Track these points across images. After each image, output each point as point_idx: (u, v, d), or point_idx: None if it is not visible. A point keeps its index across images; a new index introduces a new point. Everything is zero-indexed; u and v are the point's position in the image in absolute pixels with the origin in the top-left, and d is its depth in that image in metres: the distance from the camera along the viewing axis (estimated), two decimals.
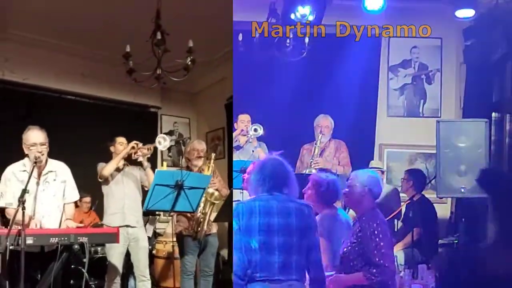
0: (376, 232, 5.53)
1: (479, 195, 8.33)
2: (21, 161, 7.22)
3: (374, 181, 5.82)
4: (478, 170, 7.78)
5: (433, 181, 9.05)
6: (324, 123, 9.30)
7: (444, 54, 10.56)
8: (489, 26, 9.38)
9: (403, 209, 8.94)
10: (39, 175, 7.18)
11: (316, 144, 9.18)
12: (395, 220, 9.22)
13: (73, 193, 7.46)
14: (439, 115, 10.34)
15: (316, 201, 6.26)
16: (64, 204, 7.36)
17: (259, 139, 9.36)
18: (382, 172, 9.44)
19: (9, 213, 7.01)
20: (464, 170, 8.28)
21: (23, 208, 6.23)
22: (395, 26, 10.22)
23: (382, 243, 5.49)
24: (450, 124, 8.64)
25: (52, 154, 7.31)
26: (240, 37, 9.55)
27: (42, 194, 7.13)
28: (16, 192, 6.70)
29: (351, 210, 6.41)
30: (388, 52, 10.58)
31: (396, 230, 9.33)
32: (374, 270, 5.49)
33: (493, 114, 9.41)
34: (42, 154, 7.05)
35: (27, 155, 7.16)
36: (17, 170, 7.18)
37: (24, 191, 6.37)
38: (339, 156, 9.26)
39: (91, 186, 9.22)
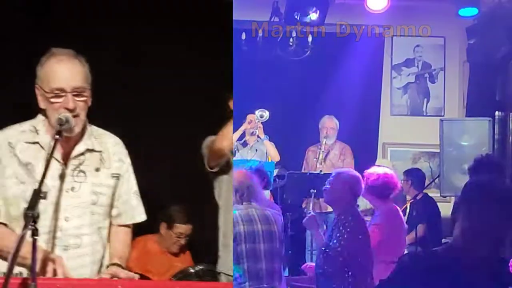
0: (348, 230, 5.51)
1: None
2: (28, 123, 4.08)
3: (355, 180, 5.80)
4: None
5: (436, 180, 9.04)
6: (330, 124, 9.30)
7: (448, 53, 10.55)
8: (492, 24, 9.37)
9: (407, 208, 8.93)
10: (66, 157, 4.04)
11: (320, 149, 9.17)
12: None
13: (135, 206, 4.35)
14: (443, 114, 10.33)
15: (372, 195, 6.29)
16: (113, 224, 4.31)
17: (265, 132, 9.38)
18: None
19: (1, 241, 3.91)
20: (468, 169, 8.28)
21: (34, 233, 3.30)
22: (398, 25, 10.25)
23: (343, 242, 5.49)
24: (454, 123, 8.64)
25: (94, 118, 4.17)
26: (244, 36, 9.55)
27: (70, 199, 4.02)
28: (16, 191, 3.95)
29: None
30: (391, 51, 10.57)
31: None
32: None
33: (497, 113, 9.39)
34: (76, 116, 3.93)
35: (42, 112, 4.05)
36: (19, 141, 4.04)
37: (38, 193, 3.38)
38: (344, 160, 9.26)
39: (181, 193, 5.71)
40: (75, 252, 4.08)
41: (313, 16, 9.08)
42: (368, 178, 6.23)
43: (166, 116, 5.52)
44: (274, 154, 9.23)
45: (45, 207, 3.82)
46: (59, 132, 3.86)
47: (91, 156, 4.15)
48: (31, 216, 3.31)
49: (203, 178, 5.20)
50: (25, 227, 3.31)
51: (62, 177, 4.03)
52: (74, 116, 3.94)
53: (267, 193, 7.94)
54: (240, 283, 5.19)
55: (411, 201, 8.88)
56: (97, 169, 4.16)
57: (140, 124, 5.06)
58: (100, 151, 4.18)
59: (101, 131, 4.28)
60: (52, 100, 3.95)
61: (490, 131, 8.32)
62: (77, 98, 3.95)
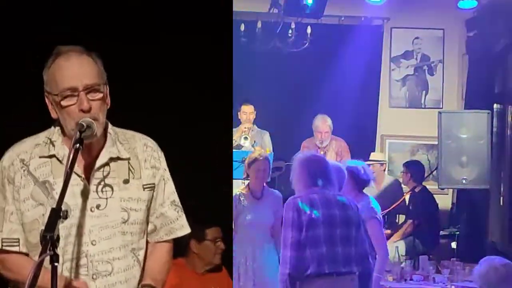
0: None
1: (481, 186, 8.35)
2: (42, 134, 3.61)
3: (356, 169, 5.81)
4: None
5: (434, 172, 9.05)
6: (324, 128, 9.19)
7: (446, 45, 10.54)
8: (491, 17, 9.38)
9: (406, 200, 8.94)
10: (88, 170, 3.55)
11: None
12: (397, 211, 9.23)
13: (173, 218, 3.80)
14: (441, 106, 10.32)
15: (354, 190, 6.11)
16: (150, 242, 3.78)
17: (262, 127, 9.35)
18: (382, 165, 9.43)
19: (10, 266, 3.56)
20: (466, 161, 8.29)
21: (54, 259, 2.93)
22: (397, 17, 10.25)
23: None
24: (452, 115, 8.65)
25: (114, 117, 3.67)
26: (242, 28, 9.54)
27: (95, 219, 3.52)
28: (34, 214, 3.51)
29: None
30: (390, 43, 10.56)
31: (397, 221, 9.34)
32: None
33: (495, 105, 9.41)
34: (95, 119, 3.42)
35: (56, 123, 3.58)
36: (33, 157, 3.57)
37: (56, 212, 3.02)
38: (341, 160, 9.24)
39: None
40: (105, 280, 3.55)
41: (313, 7, 9.06)
42: (357, 171, 6.16)
43: (164, 112, 5.04)
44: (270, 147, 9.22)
45: (67, 231, 3.44)
46: (79, 141, 3.30)
47: (117, 166, 3.59)
48: (49, 239, 2.88)
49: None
50: (43, 252, 2.86)
51: (84, 193, 3.49)
52: (95, 122, 3.41)
53: None
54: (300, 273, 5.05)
55: (409, 193, 8.89)
56: (126, 181, 3.60)
57: (133, 118, 3.98)
58: (127, 159, 3.62)
59: (128, 133, 3.72)
60: (63, 103, 3.40)
61: (488, 124, 8.34)
62: (92, 97, 3.42)
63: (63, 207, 3.04)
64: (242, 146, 8.97)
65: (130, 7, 4.73)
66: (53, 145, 3.55)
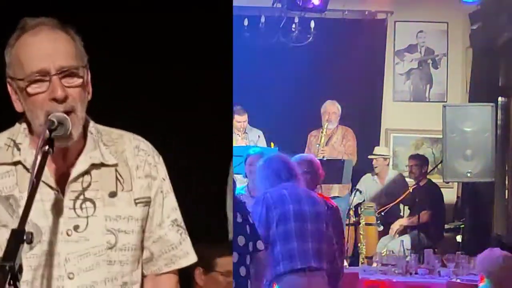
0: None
1: (485, 179, 8.34)
2: (4, 135, 2.84)
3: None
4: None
5: (439, 166, 9.04)
6: (332, 109, 9.25)
7: (450, 39, 10.52)
8: (495, 10, 9.35)
9: (410, 194, 8.94)
10: (63, 180, 2.77)
11: (322, 132, 9.15)
12: (401, 205, 9.23)
13: (175, 243, 2.99)
14: (445, 100, 10.31)
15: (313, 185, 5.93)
16: (146, 276, 2.99)
17: (266, 122, 9.36)
18: (385, 159, 9.43)
19: None
20: (471, 155, 8.28)
21: None
22: (401, 11, 10.24)
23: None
24: (457, 109, 8.64)
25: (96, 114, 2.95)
26: (246, 22, 9.54)
27: (73, 245, 2.75)
28: None
29: None
30: (394, 37, 10.54)
31: (402, 214, 9.34)
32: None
33: (500, 99, 9.40)
34: (70, 111, 2.68)
35: (22, 119, 2.82)
36: None
37: (18, 235, 2.34)
38: (346, 144, 9.24)
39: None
40: None
41: (316, 1, 9.06)
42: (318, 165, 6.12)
43: (158, 109, 4.62)
44: None
45: (37, 261, 2.68)
46: (48, 142, 2.56)
47: (100, 174, 2.80)
48: (8, 270, 2.20)
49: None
50: (0, 287, 2.19)
51: (58, 211, 2.70)
52: (68, 113, 2.65)
53: None
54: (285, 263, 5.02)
55: (413, 186, 8.88)
56: (113, 194, 2.81)
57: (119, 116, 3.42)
58: (114, 165, 2.84)
59: (114, 133, 2.93)
60: (30, 90, 2.65)
61: (493, 117, 8.33)
62: (68, 83, 2.67)
63: (28, 229, 2.34)
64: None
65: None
66: (18, 149, 2.77)
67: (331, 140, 9.23)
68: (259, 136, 9.17)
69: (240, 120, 9.07)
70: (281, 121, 9.74)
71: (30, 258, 2.45)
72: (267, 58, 9.92)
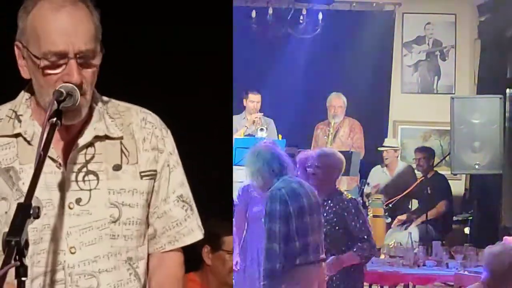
0: (353, 210, 5.51)
1: (493, 171, 8.33)
2: (5, 106, 2.79)
3: (341, 162, 5.77)
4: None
5: (447, 158, 9.04)
6: (337, 103, 9.25)
7: (459, 30, 10.50)
8: (503, 1, 9.33)
9: (418, 186, 8.93)
10: (66, 152, 2.70)
11: (329, 130, 9.14)
12: (410, 197, 9.23)
13: (180, 219, 2.90)
14: (453, 92, 10.29)
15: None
16: (151, 252, 2.90)
17: (274, 114, 9.35)
18: (395, 151, 9.43)
19: None
20: (479, 147, 8.28)
21: (21, 273, 2.20)
22: (409, 2, 10.22)
23: (362, 219, 5.50)
24: (465, 101, 8.64)
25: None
26: (254, 14, 9.53)
27: (75, 218, 2.69)
28: None
29: None
30: (402, 28, 10.52)
31: (410, 207, 9.34)
32: (365, 246, 5.46)
33: (508, 90, 9.35)
34: (82, 94, 2.61)
35: (26, 87, 2.76)
36: None
37: (25, 209, 2.25)
38: (353, 137, 9.24)
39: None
40: None
41: None
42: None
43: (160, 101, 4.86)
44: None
45: (38, 234, 2.62)
46: (56, 113, 2.48)
47: (104, 147, 2.72)
48: (14, 245, 2.14)
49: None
50: (6, 262, 2.13)
51: (61, 184, 2.64)
52: (83, 88, 2.60)
53: None
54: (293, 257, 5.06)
55: (421, 179, 8.88)
56: (117, 167, 2.72)
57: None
58: (119, 138, 2.75)
59: (121, 106, 2.85)
60: (47, 70, 2.56)
61: (501, 109, 8.32)
62: (84, 67, 2.60)
63: (34, 203, 2.27)
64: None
65: None
66: (19, 121, 2.70)
67: (338, 133, 9.23)
68: (266, 128, 9.15)
69: (253, 99, 9.11)
70: (288, 113, 9.73)
71: (30, 232, 2.31)
72: (275, 50, 9.92)
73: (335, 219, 5.51)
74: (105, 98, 2.81)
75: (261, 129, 8.92)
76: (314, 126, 9.48)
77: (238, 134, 8.97)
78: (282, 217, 4.90)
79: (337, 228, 5.51)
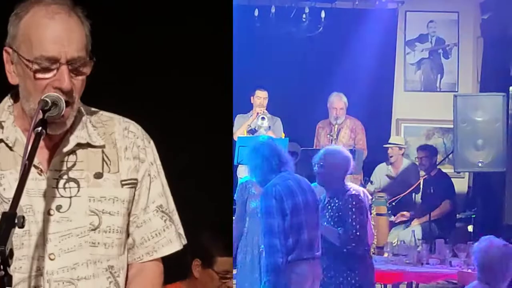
0: (353, 209, 5.52)
1: (497, 169, 8.32)
2: None
3: (347, 160, 5.78)
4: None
5: (450, 156, 9.03)
6: (338, 105, 9.23)
7: (461, 28, 10.49)
8: None
9: (421, 184, 8.93)
10: (47, 159, 2.72)
11: (331, 135, 9.14)
12: (413, 195, 9.22)
13: (159, 229, 2.91)
14: (456, 90, 10.28)
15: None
16: (131, 263, 2.91)
17: (276, 112, 9.36)
18: (400, 149, 9.43)
19: None
20: (482, 144, 8.26)
21: (6, 282, 2.22)
22: (412, 0, 10.22)
23: (358, 218, 5.50)
24: (468, 99, 8.62)
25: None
26: (256, 13, 9.53)
27: (55, 225, 2.68)
28: None
29: None
30: (404, 26, 10.52)
31: (414, 204, 9.33)
32: (353, 244, 5.47)
33: (511, 88, 9.34)
34: (70, 103, 2.63)
35: (11, 92, 2.77)
36: None
37: (11, 219, 2.28)
38: (355, 137, 9.24)
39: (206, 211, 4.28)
40: None
41: None
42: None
43: (165, 105, 4.58)
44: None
45: (19, 240, 2.61)
46: (42, 123, 2.49)
47: (86, 155, 2.73)
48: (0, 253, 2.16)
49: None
50: None
51: (41, 191, 2.65)
52: (67, 104, 2.59)
53: None
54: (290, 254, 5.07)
55: (424, 177, 8.88)
56: (98, 175, 2.73)
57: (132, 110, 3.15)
58: (101, 147, 2.76)
59: (104, 115, 2.87)
60: (38, 74, 2.56)
61: (504, 106, 8.29)
62: (74, 75, 2.61)
63: (7, 208, 2.30)
64: (260, 127, 9.01)
65: None
66: (1, 127, 2.70)
67: (340, 134, 9.23)
68: (269, 126, 9.16)
69: (260, 95, 9.15)
70: (291, 111, 9.75)
71: (16, 240, 2.40)
72: (278, 48, 9.92)
73: (337, 217, 5.53)
74: (88, 108, 2.82)
75: (262, 118, 8.97)
76: (317, 123, 9.48)
77: (241, 131, 8.99)
78: (278, 213, 4.99)
79: (338, 226, 5.52)
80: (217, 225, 4.40)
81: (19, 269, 2.62)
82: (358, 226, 5.48)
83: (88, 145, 2.74)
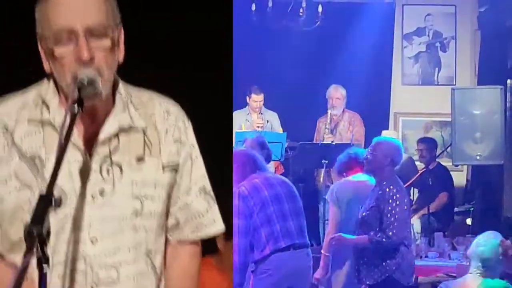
0: (394, 197, 5.52)
1: (495, 162, 8.32)
2: (33, 91, 2.73)
3: (396, 150, 5.84)
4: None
5: (448, 149, 9.03)
6: (335, 94, 9.26)
7: (459, 21, 10.48)
8: None
9: (420, 177, 8.93)
10: (90, 142, 2.68)
11: (327, 122, 9.14)
12: (412, 188, 9.22)
13: (201, 211, 2.93)
14: (454, 83, 10.28)
15: None
16: (170, 243, 2.95)
17: (274, 107, 9.36)
18: None
19: None
20: (480, 137, 8.26)
21: (43, 262, 2.17)
22: None
23: (397, 209, 5.49)
24: (465, 92, 8.61)
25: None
26: (253, 7, 9.52)
27: (98, 210, 2.68)
28: (18, 200, 2.65)
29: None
30: (402, 20, 10.52)
31: (412, 198, 9.33)
32: (379, 236, 5.47)
33: (508, 81, 9.34)
34: (92, 63, 2.56)
35: (49, 75, 2.69)
36: (20, 121, 2.68)
37: (47, 199, 2.22)
38: (353, 130, 9.24)
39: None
40: None
41: None
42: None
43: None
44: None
45: (60, 224, 2.58)
46: (78, 101, 2.42)
47: (128, 138, 2.69)
48: (36, 235, 2.10)
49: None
50: (28, 252, 2.10)
51: (84, 174, 2.60)
52: (104, 76, 2.57)
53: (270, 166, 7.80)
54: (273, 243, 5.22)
55: (423, 170, 8.87)
56: (140, 159, 2.71)
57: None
58: (143, 129, 2.73)
59: (145, 95, 2.82)
60: (57, 52, 2.51)
61: (502, 99, 8.30)
62: (95, 44, 2.52)
63: (56, 192, 2.24)
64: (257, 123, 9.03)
65: None
66: (47, 107, 2.64)
67: (338, 126, 9.23)
68: (267, 121, 9.15)
69: (256, 99, 9.13)
70: (289, 106, 9.75)
71: (53, 222, 2.31)
72: (275, 42, 9.92)
73: (374, 206, 5.54)
74: (129, 87, 2.79)
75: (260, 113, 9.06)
76: (315, 119, 9.48)
77: (238, 126, 8.99)
78: (243, 213, 5.18)
79: (374, 214, 5.53)
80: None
81: (56, 252, 2.60)
82: (397, 217, 5.49)
83: (130, 128, 2.72)
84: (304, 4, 9.53)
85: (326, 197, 6.90)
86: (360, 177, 6.27)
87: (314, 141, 9.20)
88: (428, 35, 10.59)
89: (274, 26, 9.56)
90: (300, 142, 8.84)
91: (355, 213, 5.87)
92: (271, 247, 5.18)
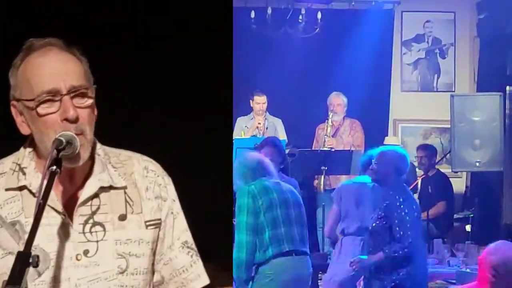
0: (402, 206, 5.53)
1: (494, 168, 8.34)
2: (9, 159, 2.77)
3: (400, 159, 5.84)
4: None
5: (448, 156, 9.04)
6: (336, 101, 9.28)
7: (458, 28, 10.51)
8: None
9: (419, 184, 8.94)
10: (71, 204, 2.70)
11: (327, 123, 9.15)
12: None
13: (186, 265, 2.91)
14: (453, 90, 10.30)
15: None
16: None
17: (275, 114, 9.38)
18: None
19: None
20: (479, 144, 8.28)
21: None
22: (408, 0, 10.23)
23: (407, 218, 5.50)
24: (464, 98, 8.64)
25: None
26: (253, 15, 9.54)
27: (83, 270, 2.66)
28: (1, 266, 2.62)
29: None
30: (401, 26, 10.54)
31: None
32: (394, 248, 5.47)
33: (507, 88, 9.34)
34: (81, 133, 2.59)
35: (27, 140, 2.74)
36: None
37: (24, 258, 2.24)
38: (353, 135, 9.25)
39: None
40: None
41: None
42: None
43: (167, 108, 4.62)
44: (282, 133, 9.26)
45: (46, 287, 2.58)
46: (56, 161, 2.46)
47: (109, 197, 2.73)
48: None
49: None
50: None
51: (67, 236, 2.62)
52: (78, 135, 2.56)
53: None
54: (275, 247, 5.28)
55: (422, 177, 8.88)
56: (122, 217, 2.73)
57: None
58: (123, 188, 2.76)
59: (122, 154, 2.86)
60: (41, 110, 2.55)
61: (501, 106, 8.31)
62: (78, 103, 2.59)
63: (35, 252, 2.24)
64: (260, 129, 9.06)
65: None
66: (23, 173, 2.68)
67: (339, 131, 9.24)
68: (267, 128, 9.17)
69: (259, 101, 9.16)
70: (288, 113, 9.76)
71: (38, 285, 2.42)
72: (275, 50, 9.93)
73: (383, 216, 5.57)
74: (106, 148, 2.81)
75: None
76: (314, 126, 9.49)
77: (241, 133, 9.01)
78: (250, 211, 5.26)
79: (384, 225, 5.56)
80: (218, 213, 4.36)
81: None
82: (408, 226, 5.50)
83: (111, 187, 2.73)
84: (303, 11, 9.56)
85: (332, 195, 7.16)
86: (365, 178, 6.37)
87: (313, 148, 9.21)
88: (427, 42, 10.62)
89: (274, 34, 9.59)
90: (300, 149, 8.84)
91: (353, 213, 6.41)
92: (274, 249, 5.24)
